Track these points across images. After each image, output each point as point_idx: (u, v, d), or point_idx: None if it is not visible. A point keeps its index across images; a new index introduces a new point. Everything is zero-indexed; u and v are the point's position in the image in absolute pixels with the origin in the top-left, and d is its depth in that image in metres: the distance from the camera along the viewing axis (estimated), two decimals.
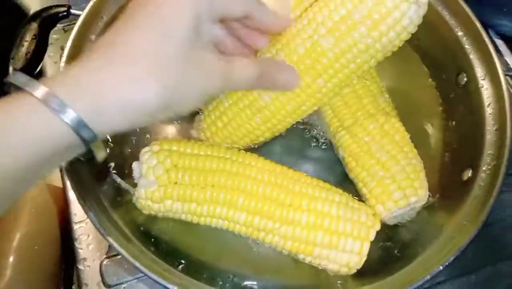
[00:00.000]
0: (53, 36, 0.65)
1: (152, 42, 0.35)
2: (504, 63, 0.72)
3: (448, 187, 0.54)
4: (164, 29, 0.35)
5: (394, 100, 0.56)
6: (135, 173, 0.50)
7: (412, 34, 0.46)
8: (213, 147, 0.51)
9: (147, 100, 0.34)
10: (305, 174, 0.52)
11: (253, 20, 0.43)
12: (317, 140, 0.59)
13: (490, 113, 0.52)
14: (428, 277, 0.43)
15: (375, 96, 0.55)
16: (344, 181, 0.56)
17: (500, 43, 0.76)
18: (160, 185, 0.48)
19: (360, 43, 0.46)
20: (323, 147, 0.59)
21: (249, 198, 0.48)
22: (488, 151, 0.50)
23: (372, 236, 0.48)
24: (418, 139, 0.55)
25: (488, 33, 0.55)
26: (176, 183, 0.48)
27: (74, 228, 0.58)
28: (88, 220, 0.56)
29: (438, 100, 0.61)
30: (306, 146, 0.59)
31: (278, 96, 0.50)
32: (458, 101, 0.57)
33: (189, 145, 0.51)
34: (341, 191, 0.51)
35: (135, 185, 0.49)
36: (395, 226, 0.53)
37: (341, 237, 0.48)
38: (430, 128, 0.60)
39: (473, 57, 0.55)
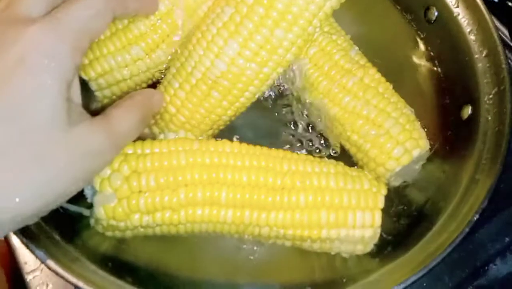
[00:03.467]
0: None
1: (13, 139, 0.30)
2: None
3: (449, 130, 0.48)
4: (25, 121, 0.31)
5: (368, 49, 0.50)
6: (87, 191, 0.40)
7: None
8: (177, 141, 0.42)
9: (18, 206, 0.30)
10: (289, 151, 0.45)
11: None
12: (292, 114, 0.51)
13: (474, 40, 0.46)
14: (467, 230, 0.36)
15: (345, 50, 0.49)
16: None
17: None
18: (121, 198, 0.39)
19: None
20: (301, 123, 0.51)
21: (233, 190, 0.40)
22: (484, 80, 0.44)
23: (381, 203, 0.42)
24: (403, 87, 0.48)
25: None
26: (140, 191, 0.39)
27: (27, 279, 0.47)
28: (43, 266, 0.46)
29: (415, 38, 0.54)
30: (281, 125, 0.51)
31: (234, 60, 0.43)
32: (435, 38, 0.52)
33: (147, 144, 0.42)
34: (334, 162, 0.44)
35: (90, 205, 0.40)
36: (404, 187, 0.46)
37: (348, 211, 0.41)
38: (413, 72, 0.53)
39: None
